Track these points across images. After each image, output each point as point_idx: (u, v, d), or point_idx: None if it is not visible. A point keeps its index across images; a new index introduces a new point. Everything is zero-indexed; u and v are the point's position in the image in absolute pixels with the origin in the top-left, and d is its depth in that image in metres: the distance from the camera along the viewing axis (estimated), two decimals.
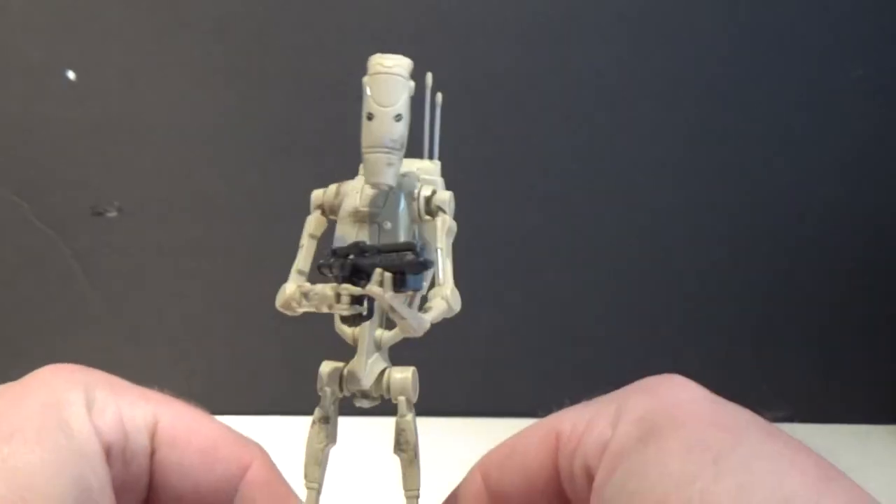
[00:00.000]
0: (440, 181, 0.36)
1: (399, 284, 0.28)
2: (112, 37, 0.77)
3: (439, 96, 0.35)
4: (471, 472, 0.34)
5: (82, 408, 0.27)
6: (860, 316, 0.88)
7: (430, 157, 0.36)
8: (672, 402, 0.27)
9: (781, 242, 0.88)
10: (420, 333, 0.30)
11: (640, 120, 0.85)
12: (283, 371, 0.80)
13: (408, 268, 0.27)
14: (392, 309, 0.27)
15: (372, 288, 0.27)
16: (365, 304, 0.29)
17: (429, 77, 0.35)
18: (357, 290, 0.28)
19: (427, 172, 0.35)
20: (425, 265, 0.27)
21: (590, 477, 0.28)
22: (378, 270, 0.27)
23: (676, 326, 0.86)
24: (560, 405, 0.33)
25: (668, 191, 0.86)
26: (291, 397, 0.78)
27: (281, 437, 0.74)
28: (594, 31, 0.84)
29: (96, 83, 0.77)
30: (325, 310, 0.30)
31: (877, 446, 0.82)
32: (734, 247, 0.87)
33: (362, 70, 0.34)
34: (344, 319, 0.31)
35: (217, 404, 0.79)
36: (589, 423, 0.28)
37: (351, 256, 0.29)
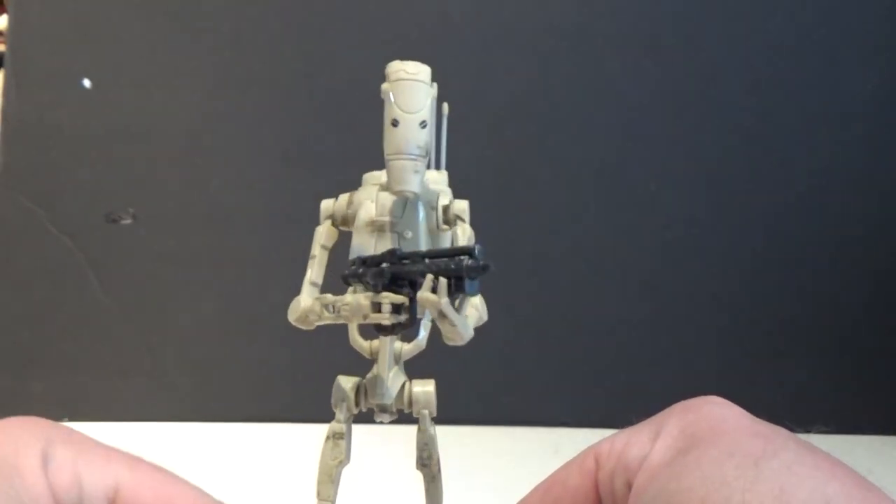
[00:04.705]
0: (448, 191, 0.35)
1: (456, 290, 0.25)
2: (127, 46, 0.77)
3: (445, 107, 0.34)
4: None
5: (38, 463, 0.26)
6: (882, 327, 0.88)
7: (438, 167, 0.36)
8: (712, 417, 0.27)
9: (803, 255, 0.87)
10: (465, 341, 0.28)
11: (655, 134, 0.85)
12: (293, 379, 0.80)
13: (468, 272, 0.25)
14: (443, 315, 0.26)
15: (425, 295, 0.25)
16: (404, 312, 0.27)
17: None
18: (400, 298, 0.26)
19: (435, 182, 0.35)
20: (486, 269, 0.25)
21: (629, 491, 0.27)
22: (429, 276, 0.25)
23: (697, 335, 0.86)
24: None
25: (688, 202, 0.85)
26: (302, 405, 0.78)
27: (291, 444, 0.74)
28: (608, 42, 0.84)
29: (112, 92, 0.77)
30: (358, 321, 0.28)
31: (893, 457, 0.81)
32: (756, 261, 0.86)
33: (374, 80, 0.33)
34: (379, 329, 0.28)
35: (228, 411, 0.80)
36: (628, 442, 0.28)
37: (385, 264, 0.28)
